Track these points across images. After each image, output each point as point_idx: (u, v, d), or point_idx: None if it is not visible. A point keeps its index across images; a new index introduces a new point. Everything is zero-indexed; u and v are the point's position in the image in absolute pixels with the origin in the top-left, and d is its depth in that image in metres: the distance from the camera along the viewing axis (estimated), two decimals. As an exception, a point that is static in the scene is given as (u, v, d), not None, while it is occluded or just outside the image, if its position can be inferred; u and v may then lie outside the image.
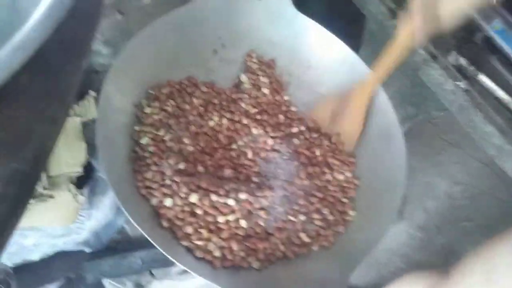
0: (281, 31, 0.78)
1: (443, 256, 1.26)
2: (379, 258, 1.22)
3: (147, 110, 0.65)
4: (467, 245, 1.27)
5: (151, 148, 0.61)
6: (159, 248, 0.52)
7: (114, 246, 0.86)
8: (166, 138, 0.63)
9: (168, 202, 0.57)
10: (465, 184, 1.38)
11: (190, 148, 0.64)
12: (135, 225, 0.52)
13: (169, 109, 0.66)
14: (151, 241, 0.52)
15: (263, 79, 0.76)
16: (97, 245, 0.83)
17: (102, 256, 0.83)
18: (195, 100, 0.69)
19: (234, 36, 0.77)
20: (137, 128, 0.63)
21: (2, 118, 0.23)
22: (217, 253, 0.57)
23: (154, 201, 0.58)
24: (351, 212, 0.67)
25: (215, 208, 0.59)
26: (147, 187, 0.58)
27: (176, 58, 0.71)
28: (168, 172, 0.59)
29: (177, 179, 0.59)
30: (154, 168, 0.60)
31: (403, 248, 1.26)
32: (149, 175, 0.59)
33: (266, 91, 0.75)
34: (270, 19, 0.77)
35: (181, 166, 0.61)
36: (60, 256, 0.81)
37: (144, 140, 0.62)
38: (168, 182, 0.59)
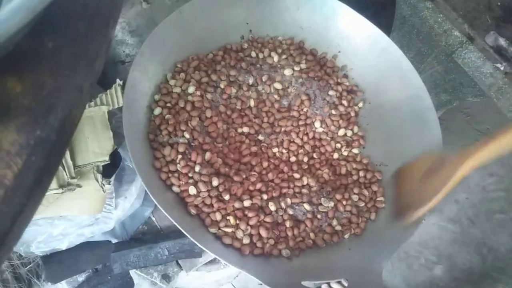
0: (310, 15, 0.75)
1: (476, 249, 1.22)
2: (409, 251, 1.19)
3: (171, 82, 0.64)
4: (502, 238, 1.22)
5: (167, 117, 0.61)
6: (187, 235, 0.50)
7: (141, 237, 0.86)
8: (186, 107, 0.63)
9: (192, 190, 0.56)
10: (500, 176, 1.33)
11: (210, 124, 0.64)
12: (164, 212, 0.51)
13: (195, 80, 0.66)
14: (179, 228, 0.51)
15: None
16: (124, 235, 0.82)
17: (129, 247, 0.82)
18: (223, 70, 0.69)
19: (261, 21, 0.74)
20: (156, 97, 0.63)
21: (26, 84, 0.22)
22: (246, 240, 0.55)
23: (175, 189, 0.57)
24: (381, 198, 0.65)
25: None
26: (167, 172, 0.57)
27: (203, 44, 0.70)
28: (181, 148, 0.58)
29: (194, 158, 0.58)
30: (169, 143, 0.59)
31: (434, 240, 1.22)
32: (166, 151, 0.58)
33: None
34: (297, 4, 0.75)
35: (197, 141, 0.61)
36: (88, 247, 0.81)
37: (157, 111, 0.61)
38: (183, 163, 0.58)
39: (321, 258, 0.58)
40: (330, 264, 0.57)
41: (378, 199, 0.65)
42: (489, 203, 1.29)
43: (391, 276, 1.15)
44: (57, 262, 0.80)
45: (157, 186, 0.55)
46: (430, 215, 1.24)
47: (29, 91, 0.22)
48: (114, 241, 0.83)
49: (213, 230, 0.55)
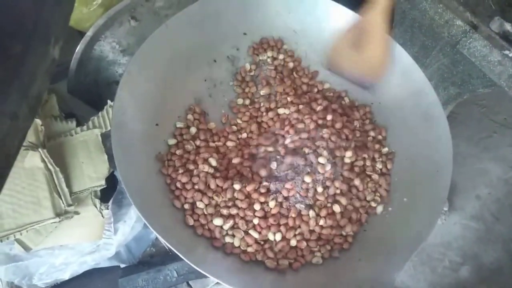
0: (302, 18, 0.72)
1: (503, 246, 1.15)
2: (432, 253, 1.13)
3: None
4: (530, 233, 1.16)
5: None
6: (184, 258, 0.48)
7: (149, 260, 0.84)
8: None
9: (217, 221, 0.56)
10: (523, 167, 1.27)
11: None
12: (159, 236, 0.49)
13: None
14: (177, 252, 0.49)
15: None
16: (130, 259, 0.80)
17: (137, 271, 0.80)
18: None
19: (253, 28, 0.72)
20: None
21: None
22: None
23: (186, 205, 0.57)
24: (385, 186, 0.63)
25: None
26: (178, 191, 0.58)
27: (194, 56, 0.68)
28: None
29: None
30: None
31: (457, 241, 1.16)
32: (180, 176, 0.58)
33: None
34: (288, 8, 0.72)
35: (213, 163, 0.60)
36: (97, 274, 0.79)
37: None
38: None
39: (329, 272, 0.54)
40: (338, 278, 0.53)
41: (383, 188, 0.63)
42: (514, 197, 1.23)
43: (414, 281, 1.10)
44: (63, 291, 0.79)
45: (151, 209, 0.53)
46: (450, 214, 1.18)
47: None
48: (122, 265, 0.82)
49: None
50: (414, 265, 1.11)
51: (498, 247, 1.16)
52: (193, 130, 0.64)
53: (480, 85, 0.83)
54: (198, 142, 0.63)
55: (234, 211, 0.56)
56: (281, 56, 0.73)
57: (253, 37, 0.72)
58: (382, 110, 0.70)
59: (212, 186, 0.58)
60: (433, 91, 0.65)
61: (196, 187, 0.58)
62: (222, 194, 0.57)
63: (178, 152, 0.61)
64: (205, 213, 0.56)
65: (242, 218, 0.56)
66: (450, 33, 0.77)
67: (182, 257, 0.49)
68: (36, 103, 0.24)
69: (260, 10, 0.71)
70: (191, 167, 0.59)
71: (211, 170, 0.59)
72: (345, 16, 0.71)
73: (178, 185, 0.58)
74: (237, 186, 0.58)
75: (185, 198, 0.57)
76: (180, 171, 0.59)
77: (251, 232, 0.56)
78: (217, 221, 0.55)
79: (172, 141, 0.62)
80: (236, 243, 0.55)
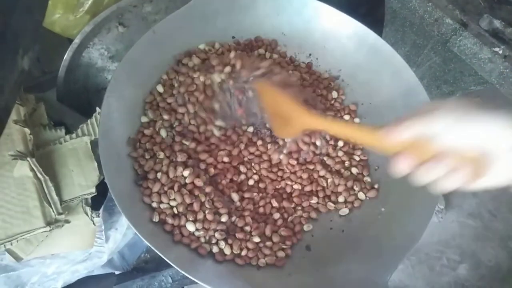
0: (291, 19, 0.72)
1: (501, 243, 1.15)
2: (429, 252, 1.13)
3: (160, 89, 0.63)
4: (528, 230, 1.15)
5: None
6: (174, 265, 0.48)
7: (143, 266, 0.83)
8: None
9: (190, 227, 0.54)
10: (518, 163, 1.26)
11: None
12: (147, 243, 0.48)
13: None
14: (165, 258, 0.48)
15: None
16: (124, 266, 0.80)
17: (131, 277, 0.80)
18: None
19: (242, 31, 0.72)
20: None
21: None
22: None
23: (168, 225, 0.55)
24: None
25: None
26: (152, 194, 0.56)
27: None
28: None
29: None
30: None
31: (455, 238, 1.16)
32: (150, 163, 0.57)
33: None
34: (277, 10, 0.72)
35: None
36: (92, 281, 0.79)
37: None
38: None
39: (319, 274, 0.54)
40: (329, 280, 0.53)
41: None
42: (510, 194, 1.23)
43: (412, 280, 1.09)
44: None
45: (139, 216, 0.52)
46: (447, 212, 1.18)
47: None
48: (117, 272, 0.81)
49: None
50: (412, 263, 1.11)
51: (496, 244, 1.15)
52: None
53: (472, 83, 0.82)
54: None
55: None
56: (275, 56, 0.72)
57: (241, 40, 0.72)
58: (372, 110, 0.70)
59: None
60: (424, 91, 0.65)
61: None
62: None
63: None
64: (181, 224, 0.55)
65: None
66: (440, 32, 0.76)
67: (173, 265, 0.48)
68: (4, 116, 0.24)
69: (248, 13, 0.71)
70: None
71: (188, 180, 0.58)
72: (334, 16, 0.71)
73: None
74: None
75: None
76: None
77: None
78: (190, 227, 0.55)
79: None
80: (227, 251, 0.54)
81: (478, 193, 1.23)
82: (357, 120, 0.69)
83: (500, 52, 0.67)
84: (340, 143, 0.66)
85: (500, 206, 1.21)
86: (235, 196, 0.59)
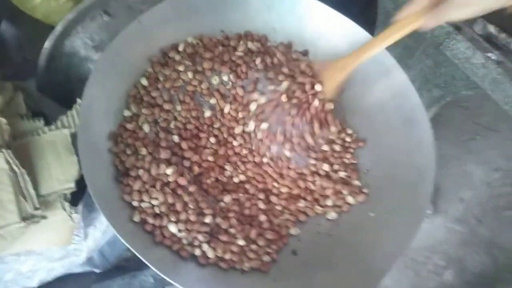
0: (282, 15, 0.70)
1: (486, 249, 1.15)
2: (415, 257, 1.12)
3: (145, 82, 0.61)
4: (512, 236, 1.16)
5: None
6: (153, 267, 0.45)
7: (124, 265, 0.81)
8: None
9: (172, 228, 0.51)
10: (505, 170, 1.27)
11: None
12: (126, 243, 0.46)
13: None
14: (145, 261, 0.46)
15: None
16: (104, 264, 0.77)
17: (111, 276, 0.77)
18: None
19: (232, 26, 0.70)
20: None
21: None
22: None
23: (148, 225, 0.52)
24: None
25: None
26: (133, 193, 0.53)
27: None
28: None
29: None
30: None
31: (441, 244, 1.16)
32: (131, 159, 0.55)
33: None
34: (268, 5, 0.70)
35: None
36: (71, 279, 0.76)
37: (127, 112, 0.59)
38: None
39: (306, 280, 0.52)
40: (316, 286, 0.51)
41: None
42: (496, 200, 1.23)
43: (398, 285, 1.09)
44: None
45: (118, 215, 0.50)
46: (434, 217, 1.18)
47: None
48: (97, 271, 0.78)
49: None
50: (398, 268, 1.11)
51: (481, 250, 1.15)
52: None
53: (463, 88, 0.82)
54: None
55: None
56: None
57: (230, 35, 0.70)
58: (362, 110, 0.68)
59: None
60: (415, 93, 0.64)
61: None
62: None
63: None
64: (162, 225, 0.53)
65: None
66: (433, 34, 0.75)
67: (153, 268, 0.46)
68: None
69: (239, 6, 0.69)
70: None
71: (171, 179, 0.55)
72: (327, 14, 0.69)
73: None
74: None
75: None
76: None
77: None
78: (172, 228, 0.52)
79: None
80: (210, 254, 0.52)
81: (465, 198, 1.22)
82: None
83: (494, 57, 0.66)
84: (326, 147, 0.64)
85: (486, 212, 1.21)
86: (220, 196, 0.57)
